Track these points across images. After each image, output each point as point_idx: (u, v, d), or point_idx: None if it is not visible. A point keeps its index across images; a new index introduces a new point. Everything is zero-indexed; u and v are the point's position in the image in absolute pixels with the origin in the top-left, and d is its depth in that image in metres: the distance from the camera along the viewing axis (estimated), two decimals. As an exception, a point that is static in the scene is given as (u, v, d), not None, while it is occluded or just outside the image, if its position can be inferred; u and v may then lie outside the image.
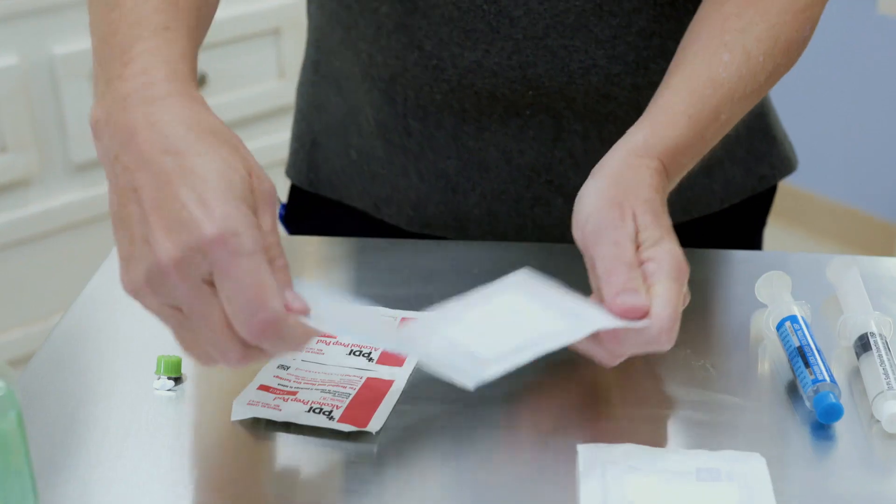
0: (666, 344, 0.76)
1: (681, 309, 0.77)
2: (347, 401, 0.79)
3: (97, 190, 2.14)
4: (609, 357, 0.78)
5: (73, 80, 2.05)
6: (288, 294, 0.69)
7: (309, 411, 0.78)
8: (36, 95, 2.04)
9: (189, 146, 0.68)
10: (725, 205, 1.07)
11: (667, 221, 0.79)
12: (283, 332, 0.67)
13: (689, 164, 0.87)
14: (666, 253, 0.77)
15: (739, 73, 0.86)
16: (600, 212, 0.78)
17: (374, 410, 0.78)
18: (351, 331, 0.78)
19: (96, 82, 0.75)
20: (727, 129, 0.88)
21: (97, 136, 0.72)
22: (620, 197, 0.79)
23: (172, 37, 0.74)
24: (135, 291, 0.70)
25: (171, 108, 0.70)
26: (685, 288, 0.78)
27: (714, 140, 0.87)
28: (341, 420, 0.77)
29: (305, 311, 0.69)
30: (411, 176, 1.04)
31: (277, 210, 0.72)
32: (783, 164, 1.11)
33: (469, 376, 0.72)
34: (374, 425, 0.77)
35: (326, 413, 0.77)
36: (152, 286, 0.68)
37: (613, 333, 0.75)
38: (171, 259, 0.66)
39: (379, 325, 0.86)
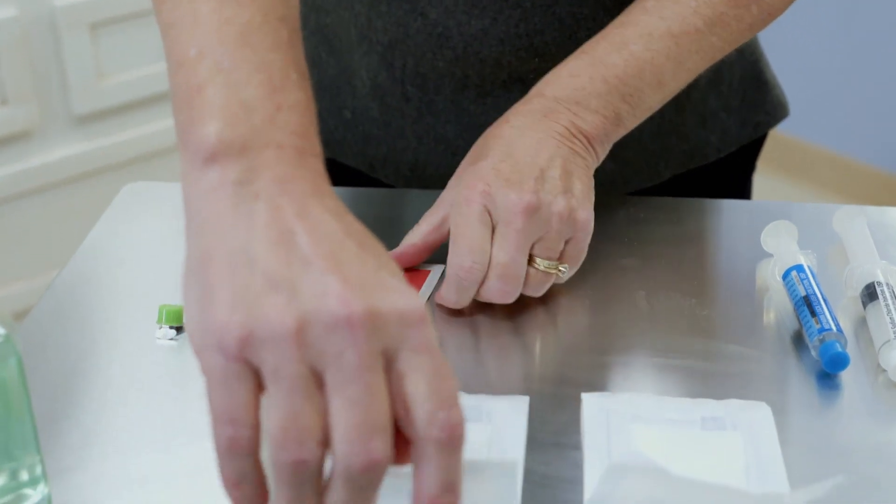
0: (466, 280, 0.81)
1: (516, 265, 0.81)
2: None
3: (98, 142, 2.14)
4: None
5: (74, 31, 2.04)
6: None
7: None
8: (36, 47, 2.03)
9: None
10: (722, 154, 1.07)
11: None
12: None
13: (606, 91, 0.87)
14: (459, 190, 0.83)
15: (661, 14, 0.88)
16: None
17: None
18: None
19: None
20: (653, 66, 0.88)
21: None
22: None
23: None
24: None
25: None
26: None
27: (630, 69, 0.87)
28: None
29: None
30: (409, 138, 1.03)
31: None
32: (777, 109, 1.10)
33: None
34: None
35: None
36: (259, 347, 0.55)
37: None
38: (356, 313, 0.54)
39: None
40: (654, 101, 0.90)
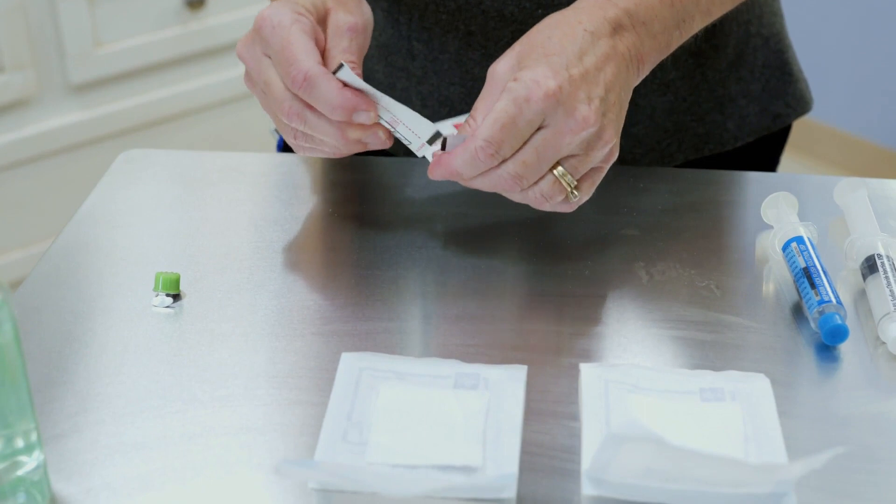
0: (482, 160, 0.78)
1: (540, 168, 0.79)
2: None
3: (95, 111, 2.13)
4: (461, 176, 0.80)
5: (71, -1, 2.03)
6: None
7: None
8: (33, 15, 2.01)
9: None
10: (738, 143, 1.05)
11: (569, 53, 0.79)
12: (314, 87, 0.80)
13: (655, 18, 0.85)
14: (523, 77, 0.78)
15: None
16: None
17: None
18: None
19: None
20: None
21: None
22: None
23: None
24: (247, 86, 0.88)
25: None
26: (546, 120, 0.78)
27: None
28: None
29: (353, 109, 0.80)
30: (413, 101, 1.02)
31: (359, 43, 0.87)
32: (799, 103, 1.08)
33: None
34: None
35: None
36: (247, 76, 0.87)
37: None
38: (241, 44, 0.86)
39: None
40: (693, 30, 0.88)
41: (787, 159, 1.13)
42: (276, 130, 1.17)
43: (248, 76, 0.87)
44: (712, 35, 1.00)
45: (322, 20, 0.86)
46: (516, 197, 0.81)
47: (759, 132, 1.06)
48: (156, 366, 0.76)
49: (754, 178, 0.99)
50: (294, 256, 0.88)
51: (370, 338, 0.79)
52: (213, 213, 0.94)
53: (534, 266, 0.86)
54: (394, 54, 1.01)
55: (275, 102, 0.84)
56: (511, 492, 0.66)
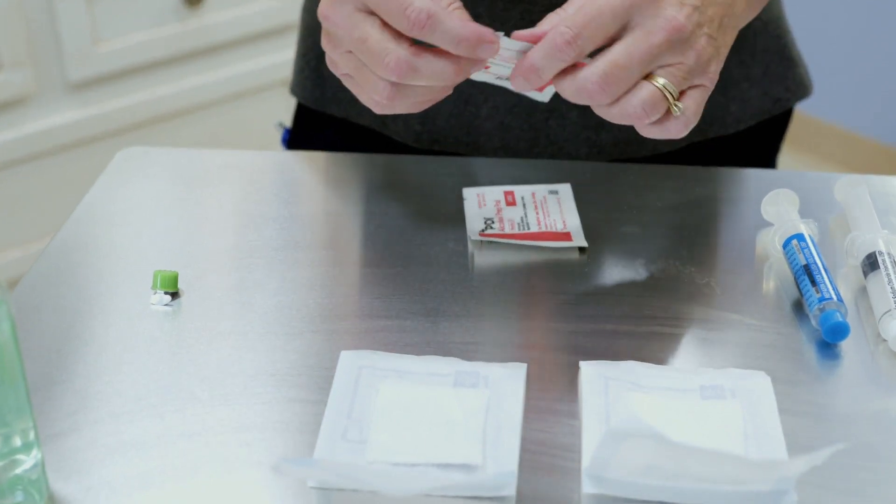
0: (562, 49, 0.74)
1: (631, 70, 0.74)
2: None
3: (93, 109, 2.12)
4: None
5: (70, -4, 2.03)
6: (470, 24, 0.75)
7: None
8: (32, 13, 2.01)
9: None
10: (741, 126, 1.06)
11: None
12: (439, 22, 0.74)
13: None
14: (652, 13, 0.74)
15: None
16: None
17: None
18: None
19: None
20: None
21: None
22: None
23: None
24: (329, 61, 0.80)
25: None
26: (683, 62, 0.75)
27: None
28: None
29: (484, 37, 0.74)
30: None
31: None
32: (799, 87, 1.09)
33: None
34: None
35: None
36: (328, 39, 0.79)
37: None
38: (325, 3, 0.77)
39: None
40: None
41: (788, 156, 1.13)
42: (281, 124, 1.17)
43: (331, 38, 0.79)
44: None
45: None
46: (614, 113, 0.75)
47: (761, 115, 1.07)
48: (154, 364, 0.76)
49: (755, 174, 0.99)
50: (293, 254, 0.88)
51: (369, 336, 0.79)
52: (211, 211, 0.94)
53: (533, 263, 0.86)
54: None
55: (374, 57, 0.76)
56: (511, 490, 0.66)
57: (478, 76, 0.80)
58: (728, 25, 0.79)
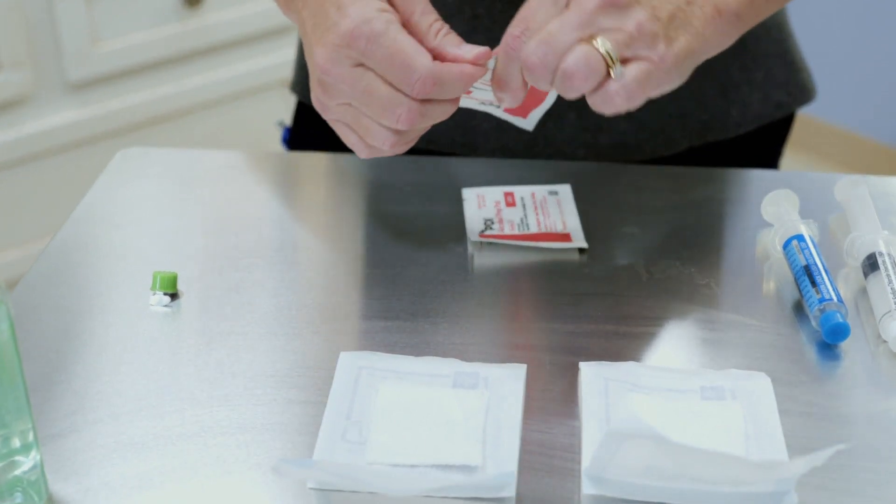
0: (534, 62, 0.74)
1: (565, 34, 0.74)
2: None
3: (93, 109, 2.12)
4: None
5: (69, -4, 2.03)
6: (458, 49, 0.77)
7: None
8: (31, 12, 2.01)
9: None
10: (741, 130, 1.05)
11: None
12: (442, 81, 0.75)
13: None
14: None
15: None
16: None
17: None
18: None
19: None
20: None
21: None
22: None
23: None
24: (318, 104, 0.79)
25: None
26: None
27: None
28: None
29: (480, 58, 0.76)
30: None
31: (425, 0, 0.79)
32: (801, 92, 1.09)
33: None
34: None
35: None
36: (323, 89, 0.78)
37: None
38: (324, 59, 0.76)
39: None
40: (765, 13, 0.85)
41: (788, 156, 1.13)
42: (282, 123, 1.17)
43: (328, 88, 0.78)
44: None
45: None
46: (558, 82, 0.74)
47: (762, 120, 1.06)
48: (154, 365, 0.76)
49: (755, 175, 0.99)
50: (292, 255, 0.88)
51: (369, 336, 0.79)
52: (210, 211, 0.94)
53: (533, 264, 0.86)
54: None
55: (382, 110, 0.76)
56: (511, 491, 0.65)
57: (463, 102, 0.80)
58: (686, 23, 0.77)
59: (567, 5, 0.75)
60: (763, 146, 1.10)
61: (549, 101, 0.83)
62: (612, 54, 0.74)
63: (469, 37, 0.97)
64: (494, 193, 0.92)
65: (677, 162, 1.03)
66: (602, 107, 0.75)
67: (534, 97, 0.82)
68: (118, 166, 1.00)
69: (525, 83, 0.76)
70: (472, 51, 0.76)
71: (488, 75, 0.78)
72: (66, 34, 2.04)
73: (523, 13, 0.76)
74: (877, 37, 2.75)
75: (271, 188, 0.99)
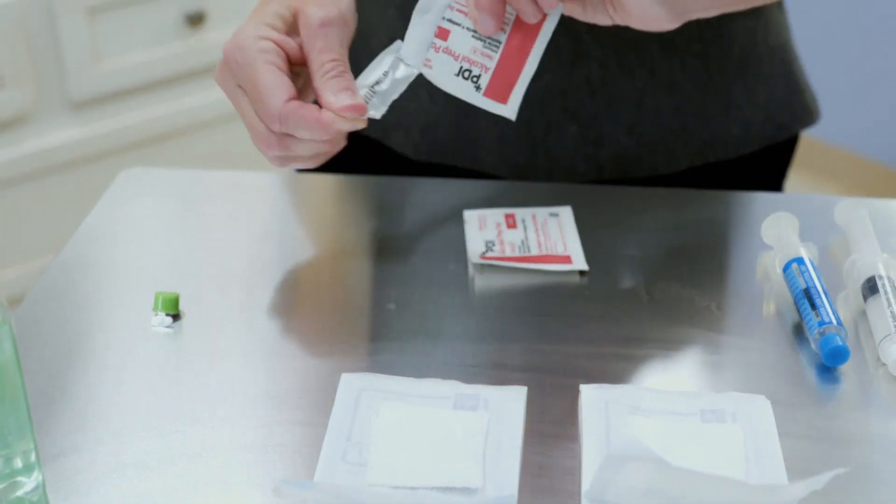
0: None
1: None
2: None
3: (95, 128, 2.13)
4: None
5: (71, 15, 2.03)
6: (332, 96, 0.81)
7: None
8: (33, 31, 2.02)
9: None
10: (743, 151, 1.05)
11: None
12: (290, 124, 0.81)
13: None
14: None
15: None
16: None
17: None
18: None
19: None
20: None
21: None
22: None
23: None
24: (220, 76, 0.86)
25: None
26: None
27: None
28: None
29: (348, 110, 0.81)
30: (422, 98, 1.02)
31: (338, 36, 0.85)
32: (804, 113, 1.08)
33: None
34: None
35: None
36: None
37: None
38: (218, 66, 0.84)
39: None
40: None
41: (791, 177, 1.13)
42: None
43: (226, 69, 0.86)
44: (718, 38, 1.00)
45: (293, 24, 0.85)
46: None
47: (764, 140, 1.06)
48: (155, 385, 0.76)
49: (755, 197, 0.99)
50: (294, 275, 0.88)
51: (370, 357, 0.79)
52: (212, 231, 0.94)
53: (533, 286, 0.86)
54: None
55: (254, 133, 0.84)
56: (511, 513, 0.66)
57: (435, 72, 0.82)
58: None
59: None
60: (766, 168, 1.10)
61: (525, 78, 0.83)
62: None
63: None
64: (495, 215, 0.93)
65: (679, 182, 1.04)
66: None
67: (513, 63, 0.82)
68: (120, 186, 1.00)
69: (503, 4, 0.79)
70: (344, 101, 0.81)
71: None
72: (67, 52, 2.05)
73: None
74: (880, 60, 2.76)
75: (273, 208, 0.99)
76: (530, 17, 0.80)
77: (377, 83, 0.83)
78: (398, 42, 0.83)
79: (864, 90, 2.81)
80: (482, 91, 0.82)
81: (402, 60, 0.83)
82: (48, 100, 2.07)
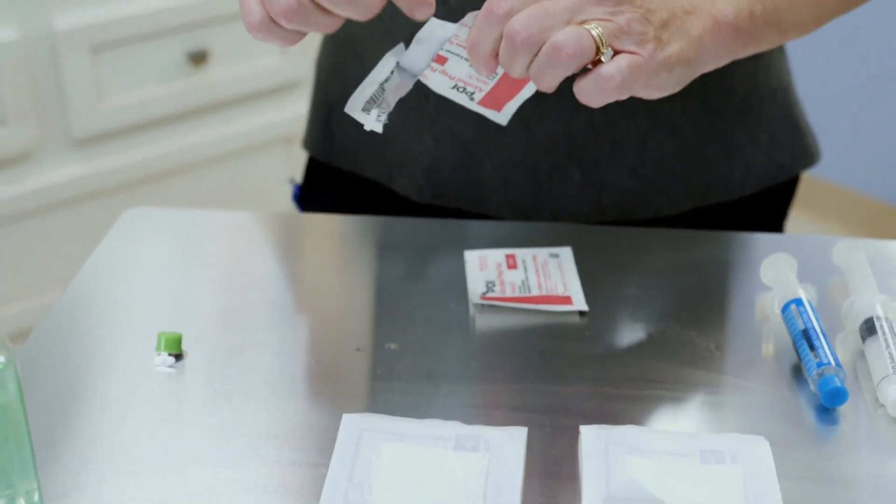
0: (518, 33, 0.73)
1: (556, 14, 0.74)
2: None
3: (98, 165, 2.14)
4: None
5: (74, 53, 2.04)
6: None
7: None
8: (37, 69, 2.03)
9: None
10: (744, 192, 1.06)
11: None
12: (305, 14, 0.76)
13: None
14: None
15: None
16: None
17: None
18: None
19: None
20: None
21: None
22: None
23: None
24: None
25: None
26: None
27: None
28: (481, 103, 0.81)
29: None
30: (426, 140, 1.03)
31: None
32: (805, 155, 1.09)
33: None
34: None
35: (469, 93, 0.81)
36: None
37: None
38: None
39: None
40: (779, 32, 0.85)
41: (791, 216, 1.14)
42: (293, 180, 1.18)
43: None
44: (720, 82, 1.01)
45: None
46: (544, 56, 0.74)
47: (765, 182, 1.07)
48: (158, 425, 0.76)
49: (755, 238, 1.00)
50: (296, 316, 0.89)
51: (371, 397, 0.79)
52: (215, 271, 0.95)
53: (534, 326, 0.86)
54: (408, 93, 1.02)
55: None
56: (511, 554, 0.66)
57: (434, 80, 0.81)
58: (682, 31, 0.78)
59: None
60: (767, 209, 1.11)
61: (524, 94, 0.83)
62: (602, 39, 0.74)
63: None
64: (496, 256, 0.93)
65: (681, 223, 1.04)
66: (592, 92, 0.75)
67: (509, 87, 0.82)
68: (124, 225, 1.01)
69: (496, 55, 0.76)
70: None
71: (464, 34, 0.78)
72: (71, 90, 2.06)
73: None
74: (880, 99, 2.77)
75: (275, 249, 0.99)
76: (517, 76, 0.79)
77: (386, 80, 0.82)
78: (401, 45, 0.82)
79: (863, 129, 2.82)
80: (476, 101, 0.83)
81: (402, 69, 0.82)
82: (51, 137, 2.08)
